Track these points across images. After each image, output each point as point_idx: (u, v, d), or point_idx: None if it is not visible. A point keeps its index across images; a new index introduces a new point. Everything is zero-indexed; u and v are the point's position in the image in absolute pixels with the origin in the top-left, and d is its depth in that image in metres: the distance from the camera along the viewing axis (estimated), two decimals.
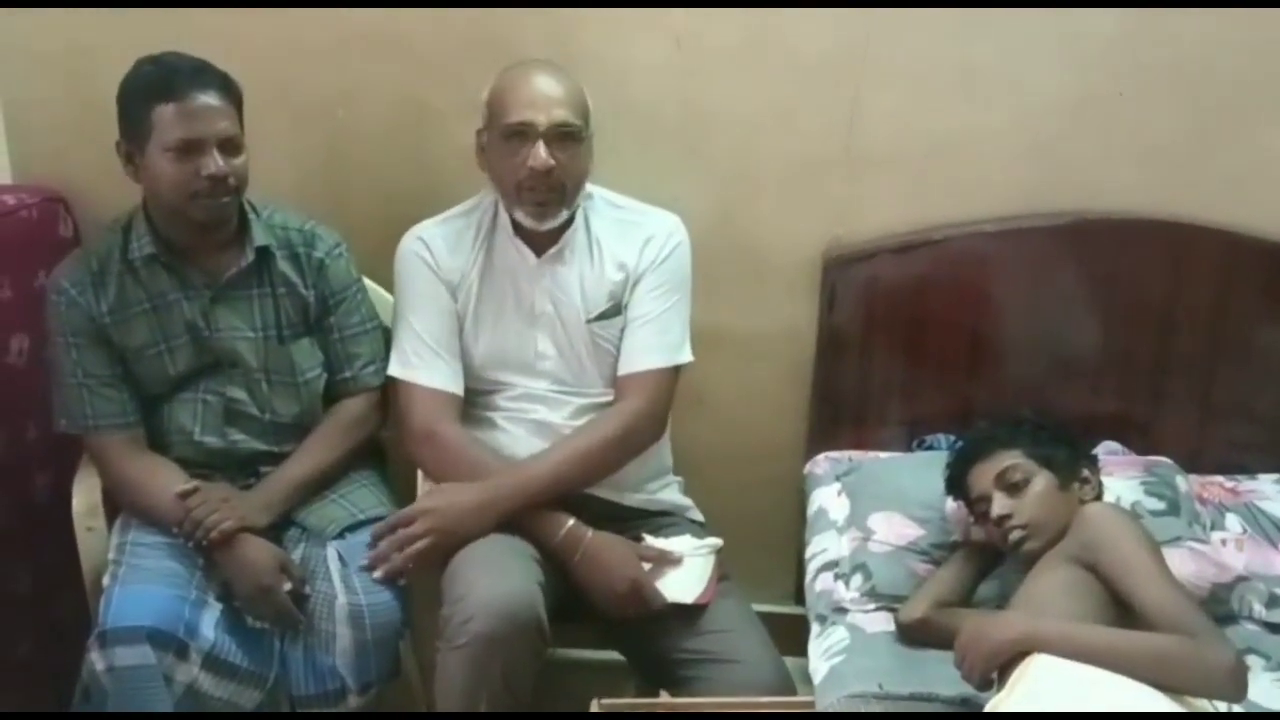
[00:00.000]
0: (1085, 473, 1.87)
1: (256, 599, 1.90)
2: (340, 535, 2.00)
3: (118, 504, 2.04)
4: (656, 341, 2.05)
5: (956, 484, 1.94)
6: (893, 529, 2.03)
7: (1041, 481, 1.83)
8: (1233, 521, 2.06)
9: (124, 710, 1.80)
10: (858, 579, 1.99)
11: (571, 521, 1.97)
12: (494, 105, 2.00)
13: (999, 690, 1.64)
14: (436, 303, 2.07)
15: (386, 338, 2.13)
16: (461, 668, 1.79)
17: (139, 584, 1.87)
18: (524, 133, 1.95)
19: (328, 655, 1.90)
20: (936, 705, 1.74)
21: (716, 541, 2.06)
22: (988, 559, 1.93)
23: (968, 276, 2.28)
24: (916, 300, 2.29)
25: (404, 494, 2.14)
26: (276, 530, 1.99)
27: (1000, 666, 1.65)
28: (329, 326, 2.08)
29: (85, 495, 2.05)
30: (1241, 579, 1.96)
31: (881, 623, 1.93)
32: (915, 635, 1.87)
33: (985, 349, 2.30)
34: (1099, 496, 1.88)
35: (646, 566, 1.98)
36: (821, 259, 2.30)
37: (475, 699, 1.79)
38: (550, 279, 2.06)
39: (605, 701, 1.86)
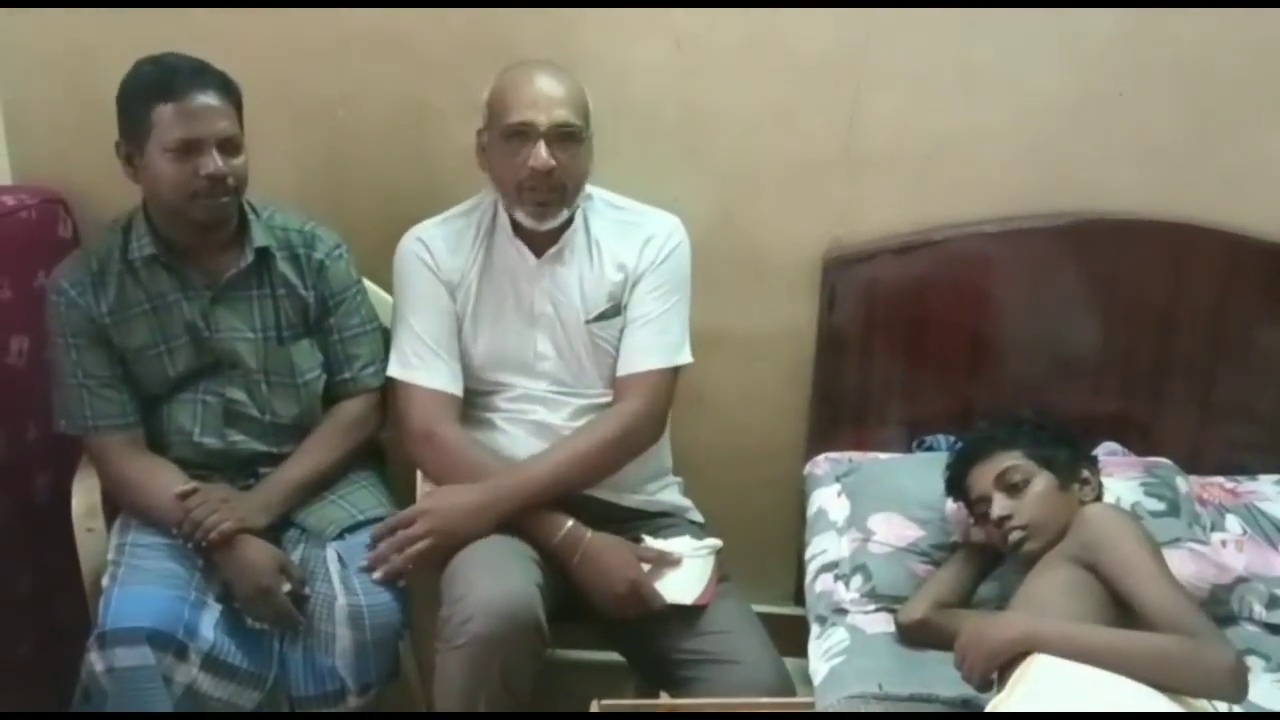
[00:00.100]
0: (1085, 473, 1.87)
1: (256, 600, 1.90)
2: (340, 536, 2.00)
3: (117, 505, 2.04)
4: (656, 342, 2.05)
5: (956, 485, 1.93)
6: (893, 530, 2.03)
7: (1041, 482, 1.83)
8: (1233, 522, 2.06)
9: (124, 711, 1.80)
10: (858, 580, 1.99)
11: (571, 522, 1.97)
12: (494, 105, 2.00)
13: (999, 691, 1.63)
14: (436, 303, 2.07)
15: (386, 339, 2.13)
16: (461, 668, 1.79)
17: (138, 585, 1.87)
18: (525, 133, 1.95)
19: (327, 656, 1.90)
20: (936, 706, 1.74)
21: (716, 542, 2.06)
22: (988, 560, 1.93)
23: (968, 277, 2.27)
24: (917, 301, 2.29)
25: (403, 495, 2.14)
26: (276, 531, 1.99)
27: (1000, 667, 1.65)
28: (329, 328, 2.08)
29: (85, 496, 2.05)
30: (1241, 580, 1.95)
31: (881, 624, 1.93)
32: (915, 636, 1.87)
33: (985, 349, 2.30)
34: (1099, 497, 1.88)
35: (646, 567, 1.97)
36: (821, 259, 2.30)
37: (474, 699, 1.79)
38: (550, 279, 2.06)
39: (605, 702, 1.86)
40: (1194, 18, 2.13)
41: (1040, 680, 1.59)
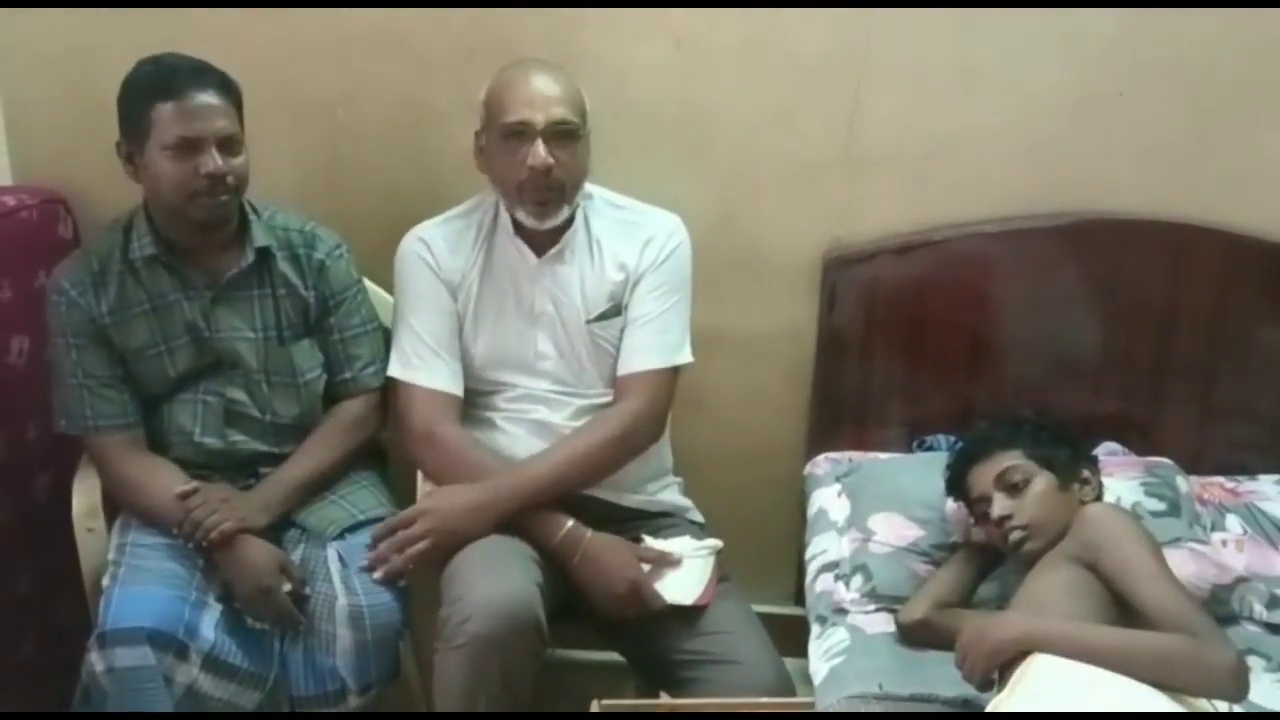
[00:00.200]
0: (1085, 473, 1.87)
1: (256, 600, 1.89)
2: (340, 536, 2.00)
3: (118, 505, 2.04)
4: (656, 342, 2.05)
5: (957, 485, 1.93)
6: (893, 530, 2.02)
7: (1042, 482, 1.83)
8: (1233, 522, 2.06)
9: (124, 711, 1.80)
10: (858, 580, 1.99)
11: (571, 522, 1.97)
12: (491, 105, 2.00)
13: (999, 690, 1.63)
14: (437, 303, 2.07)
15: (386, 339, 2.13)
16: (460, 668, 1.79)
17: (139, 585, 1.87)
18: (522, 132, 1.95)
19: (328, 656, 1.89)
20: (937, 706, 1.74)
21: (716, 543, 2.06)
22: (988, 560, 1.93)
23: (968, 277, 2.27)
24: (917, 301, 2.29)
25: (404, 495, 2.14)
26: (276, 531, 1.99)
27: (1001, 667, 1.65)
28: (329, 327, 2.08)
29: (85, 496, 2.04)
30: (1242, 580, 1.95)
31: (882, 624, 1.93)
32: (915, 636, 1.87)
33: (985, 350, 2.30)
34: (1099, 497, 1.87)
35: (646, 568, 1.97)
36: (822, 259, 2.30)
37: (474, 699, 1.79)
38: (550, 279, 2.06)
39: (605, 702, 1.86)
40: (1194, 18, 2.13)
41: (1041, 680, 1.59)
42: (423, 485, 2.12)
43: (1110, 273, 2.25)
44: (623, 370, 2.06)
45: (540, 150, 1.94)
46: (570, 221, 2.06)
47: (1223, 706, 1.61)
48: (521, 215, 2.01)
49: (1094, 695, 1.56)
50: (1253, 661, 1.80)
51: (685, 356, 2.08)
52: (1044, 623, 1.66)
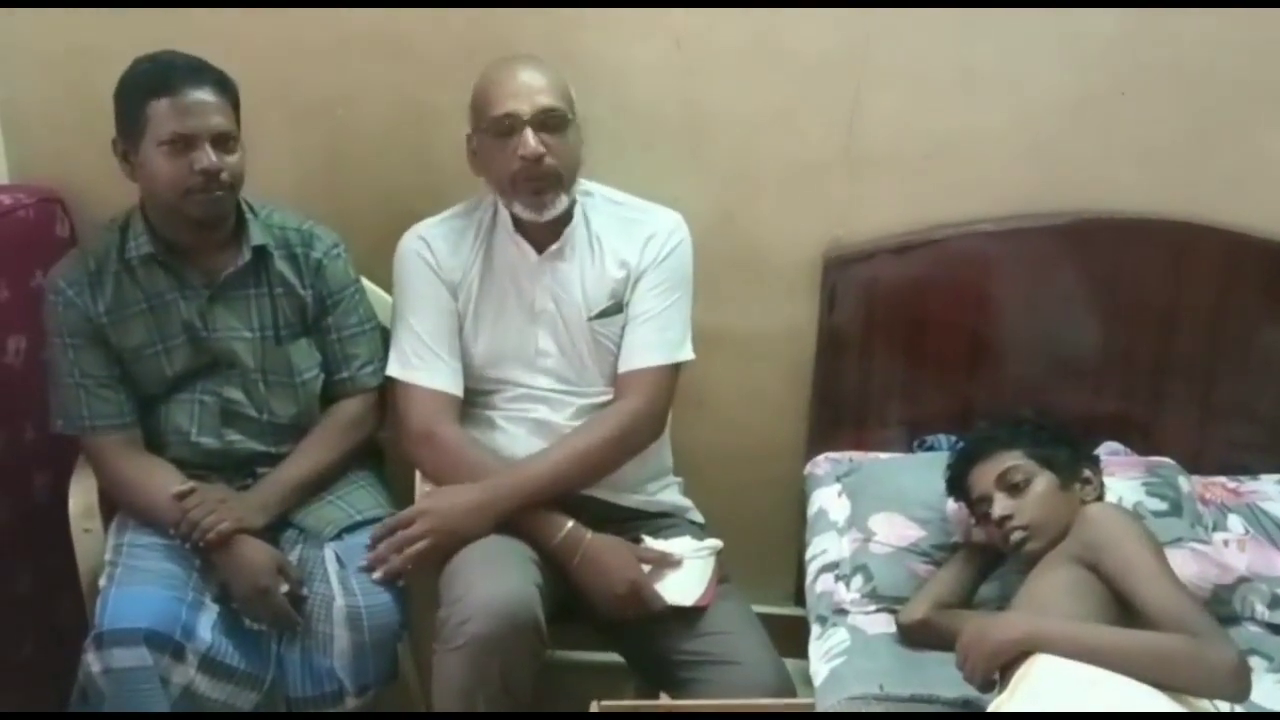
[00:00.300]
0: (1086, 473, 1.87)
1: (253, 600, 1.89)
2: (338, 536, 1.99)
3: (115, 505, 2.03)
4: (657, 339, 2.05)
5: (957, 485, 1.93)
6: (893, 530, 2.02)
7: (1042, 482, 1.82)
8: (1235, 522, 2.05)
9: (121, 711, 1.79)
10: (858, 580, 1.99)
11: (571, 523, 1.97)
12: (478, 104, 2.00)
13: (1000, 691, 1.63)
14: (436, 303, 2.07)
15: (384, 338, 2.12)
16: (459, 669, 1.78)
17: (136, 585, 1.86)
18: (511, 124, 1.95)
19: (325, 657, 1.89)
20: (938, 707, 1.74)
21: (716, 543, 2.05)
22: (989, 560, 1.92)
23: (968, 277, 2.27)
24: (917, 301, 2.28)
25: (402, 495, 2.14)
26: (274, 531, 1.98)
27: (1002, 667, 1.65)
28: (326, 327, 2.08)
29: (82, 496, 2.04)
30: (1243, 580, 1.95)
31: (882, 624, 1.92)
32: (916, 637, 1.87)
33: (986, 349, 2.29)
34: (1100, 497, 1.87)
35: (646, 568, 1.97)
36: (821, 259, 2.30)
37: (473, 700, 1.79)
38: (551, 276, 2.06)
39: (604, 703, 1.85)
40: (1194, 18, 2.13)
41: (1042, 680, 1.59)
42: (421, 485, 2.12)
43: (1110, 272, 2.25)
44: (623, 367, 2.06)
45: (530, 139, 1.93)
46: (570, 218, 2.05)
47: (1224, 707, 1.61)
48: (519, 209, 2.01)
49: (1095, 696, 1.55)
50: (1254, 662, 1.80)
51: (686, 354, 2.08)
52: (1045, 623, 1.65)
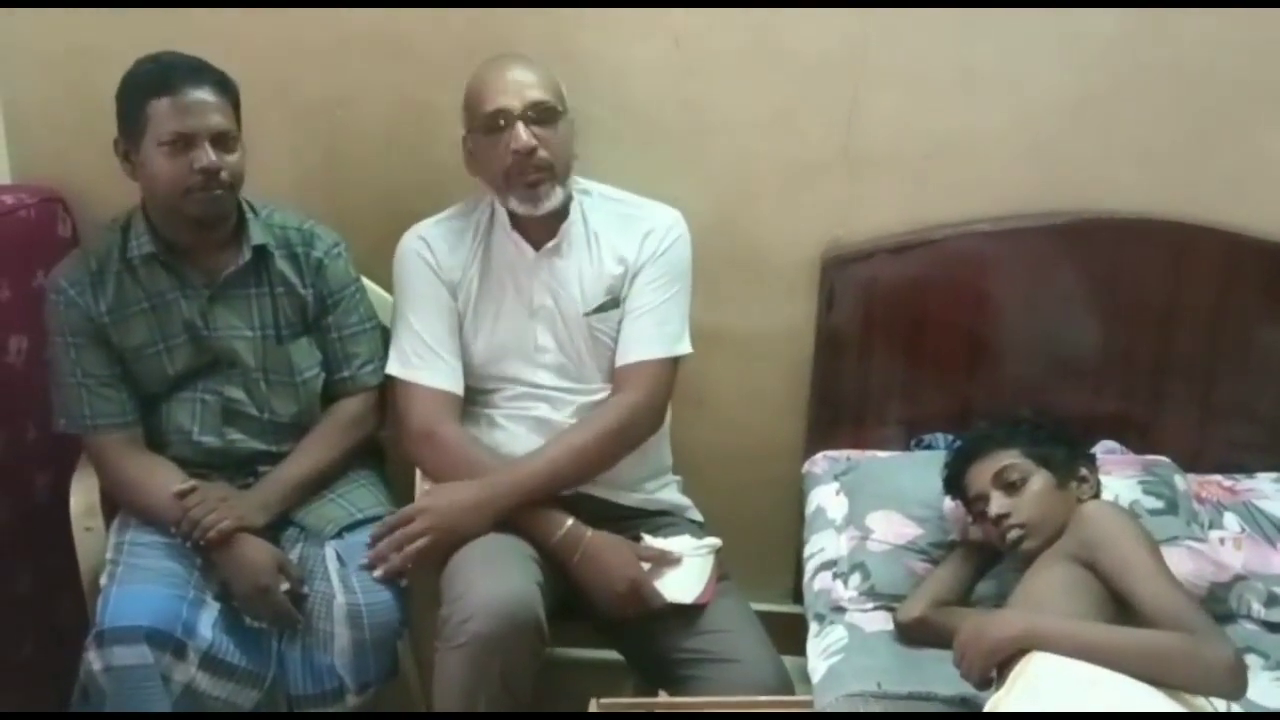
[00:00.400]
0: (1083, 471, 1.87)
1: (254, 599, 1.89)
2: (338, 535, 2.00)
3: (116, 504, 2.04)
4: (655, 332, 2.05)
5: (954, 483, 1.93)
6: (891, 528, 2.02)
7: (1039, 481, 1.83)
8: (1231, 520, 2.05)
9: (122, 710, 1.80)
10: (856, 578, 1.99)
11: (571, 521, 1.97)
12: (470, 104, 2.02)
13: (998, 689, 1.63)
14: (437, 302, 2.07)
15: (385, 337, 2.13)
16: (460, 667, 1.79)
17: (137, 584, 1.87)
18: (502, 120, 1.96)
19: (326, 655, 1.89)
20: (935, 704, 1.74)
21: (715, 541, 2.06)
22: (986, 558, 1.92)
23: (967, 276, 2.27)
24: (915, 300, 2.29)
25: (402, 493, 2.14)
26: (274, 530, 1.99)
27: (999, 665, 1.65)
28: (327, 326, 2.08)
29: (83, 495, 2.04)
30: (1240, 578, 1.95)
31: (880, 622, 1.93)
32: (914, 634, 1.87)
33: (984, 349, 2.29)
34: (1097, 495, 1.87)
35: (646, 566, 1.97)
36: (820, 259, 2.30)
37: (474, 699, 1.79)
38: (548, 272, 2.06)
39: (604, 701, 1.86)
40: (1194, 18, 2.13)
41: (1039, 678, 1.59)
42: (421, 484, 2.12)
43: (1110, 272, 2.25)
44: (621, 361, 2.06)
45: (521, 132, 1.95)
46: (566, 214, 2.06)
47: (1221, 705, 1.61)
48: (515, 204, 2.01)
49: (1093, 694, 1.55)
50: (1251, 660, 1.80)
51: (685, 347, 2.08)
52: (1042, 621, 1.65)
